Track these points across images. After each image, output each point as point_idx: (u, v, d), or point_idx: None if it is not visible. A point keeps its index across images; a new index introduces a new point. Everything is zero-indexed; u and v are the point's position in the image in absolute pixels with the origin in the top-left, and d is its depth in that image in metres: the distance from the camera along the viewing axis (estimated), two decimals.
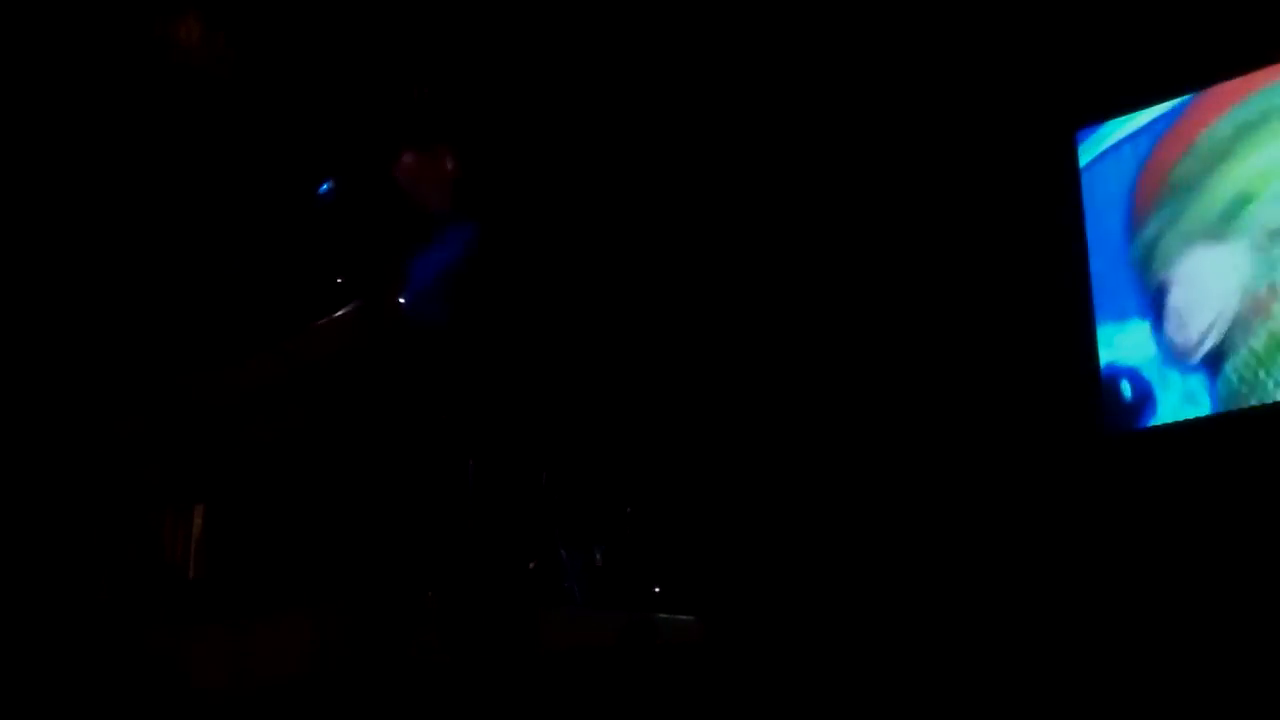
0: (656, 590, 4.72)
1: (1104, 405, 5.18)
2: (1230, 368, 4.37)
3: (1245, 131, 4.38)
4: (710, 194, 5.86)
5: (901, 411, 5.70)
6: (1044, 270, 5.50)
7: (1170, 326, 4.57)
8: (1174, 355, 4.57)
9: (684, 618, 4.54)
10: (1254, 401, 4.26)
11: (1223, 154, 4.46)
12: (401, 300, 3.57)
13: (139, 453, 3.64)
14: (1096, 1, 5.36)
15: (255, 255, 3.87)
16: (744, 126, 5.91)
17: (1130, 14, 5.26)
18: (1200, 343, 4.47)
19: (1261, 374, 4.26)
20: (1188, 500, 4.89)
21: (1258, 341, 4.30)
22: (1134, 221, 4.77)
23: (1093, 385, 5.24)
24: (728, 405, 5.71)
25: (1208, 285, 4.41)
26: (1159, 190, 4.66)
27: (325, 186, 3.49)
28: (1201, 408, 4.43)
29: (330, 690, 3.47)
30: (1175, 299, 4.52)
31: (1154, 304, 4.63)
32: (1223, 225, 4.43)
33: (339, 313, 3.50)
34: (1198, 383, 4.48)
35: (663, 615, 4.48)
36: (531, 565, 4.25)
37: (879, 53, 5.83)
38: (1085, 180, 5.06)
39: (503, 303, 4.29)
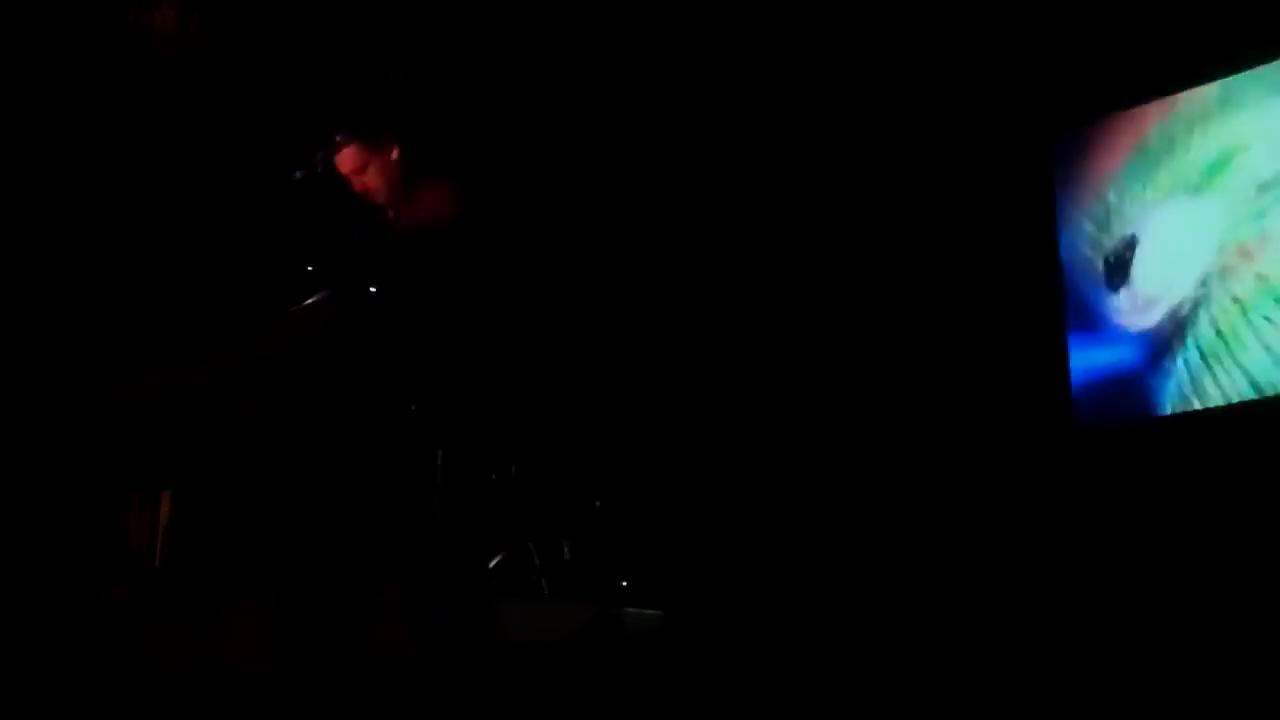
0: (623, 584, 4.74)
1: (1076, 400, 5.28)
2: (1205, 318, 4.39)
3: (1232, 89, 4.37)
4: (675, 190, 5.88)
5: (869, 406, 5.73)
6: (1017, 269, 5.57)
7: (1135, 286, 4.56)
8: (1137, 312, 4.56)
9: (650, 611, 4.56)
10: (1234, 352, 4.27)
11: (1204, 114, 4.44)
12: (372, 289, 3.57)
13: (108, 439, 3.63)
14: (1075, 9, 5.42)
15: (226, 242, 3.87)
16: (714, 122, 5.93)
17: (1107, 21, 5.33)
18: (1168, 297, 4.48)
19: (1243, 321, 4.28)
20: (1163, 494, 4.96)
21: (1241, 288, 4.30)
22: (1097, 188, 4.70)
23: (1063, 382, 5.36)
24: (695, 403, 5.73)
25: (1181, 241, 4.41)
26: (1126, 155, 4.64)
27: None
28: (1166, 376, 4.44)
29: (294, 679, 3.47)
30: (1142, 256, 4.53)
31: (1117, 265, 4.63)
32: (1203, 181, 4.44)
33: (309, 300, 3.50)
34: (1159, 343, 4.46)
35: (629, 609, 4.50)
36: (499, 558, 4.26)
37: (858, 56, 5.86)
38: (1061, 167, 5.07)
39: (474, 295, 4.29)
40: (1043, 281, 5.61)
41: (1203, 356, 4.41)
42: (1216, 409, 4.90)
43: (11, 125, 4.24)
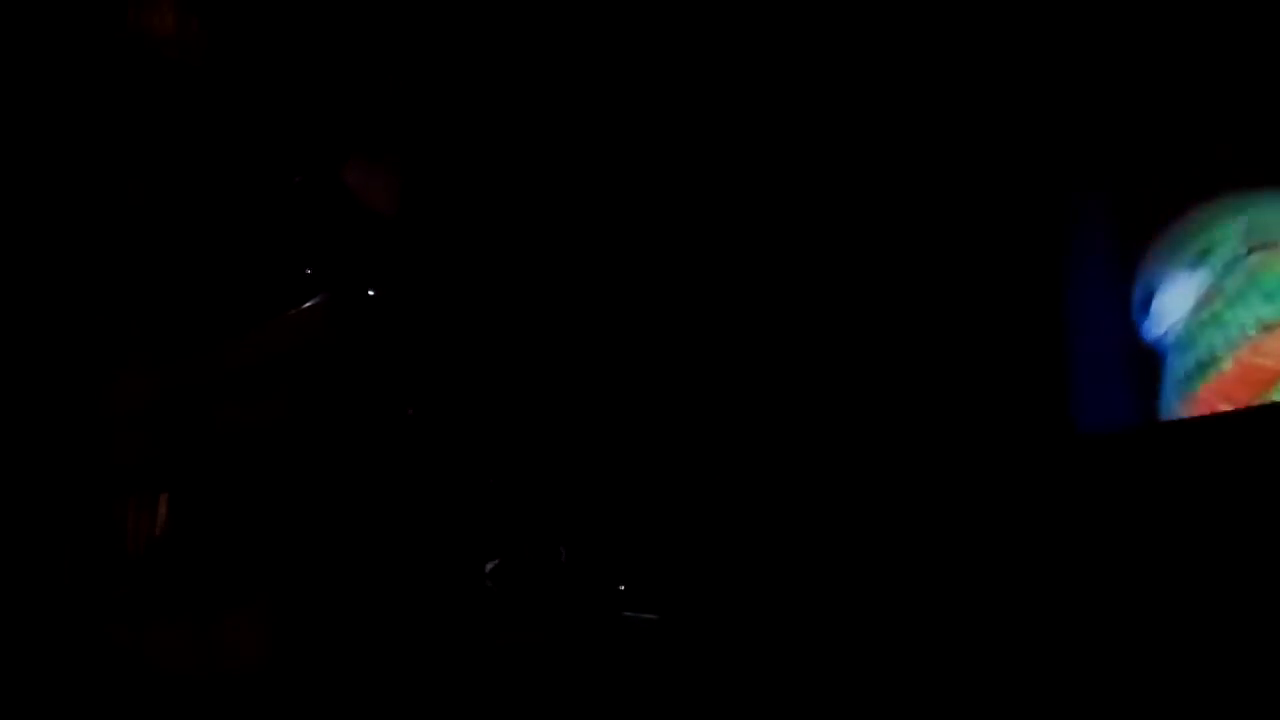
0: (620, 588, 4.73)
1: (1078, 404, 5.44)
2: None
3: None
4: (675, 195, 5.88)
5: (869, 411, 5.73)
6: (1019, 272, 5.60)
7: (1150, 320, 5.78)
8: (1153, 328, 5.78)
9: (648, 616, 4.55)
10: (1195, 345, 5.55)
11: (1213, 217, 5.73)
12: (370, 293, 3.58)
13: (103, 438, 3.63)
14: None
15: (224, 244, 3.87)
16: (713, 131, 5.93)
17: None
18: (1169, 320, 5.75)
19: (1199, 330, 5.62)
20: (1158, 501, 4.98)
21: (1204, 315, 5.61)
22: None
23: (1064, 385, 5.43)
24: (694, 405, 5.72)
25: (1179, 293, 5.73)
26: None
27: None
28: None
29: (291, 681, 3.47)
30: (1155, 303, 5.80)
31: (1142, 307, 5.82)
32: (1197, 260, 5.72)
33: (307, 304, 3.50)
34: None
35: (627, 613, 4.49)
36: (496, 562, 4.26)
37: (863, 66, 5.87)
38: None
39: (472, 299, 4.30)
40: (1043, 284, 5.63)
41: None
42: (1217, 415, 5.00)
43: (10, 125, 4.24)
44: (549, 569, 4.42)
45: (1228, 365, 5.54)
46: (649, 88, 5.82)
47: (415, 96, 4.74)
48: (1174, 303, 5.80)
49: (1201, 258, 5.75)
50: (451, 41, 5.20)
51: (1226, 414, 5.14)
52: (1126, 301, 5.67)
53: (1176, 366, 5.64)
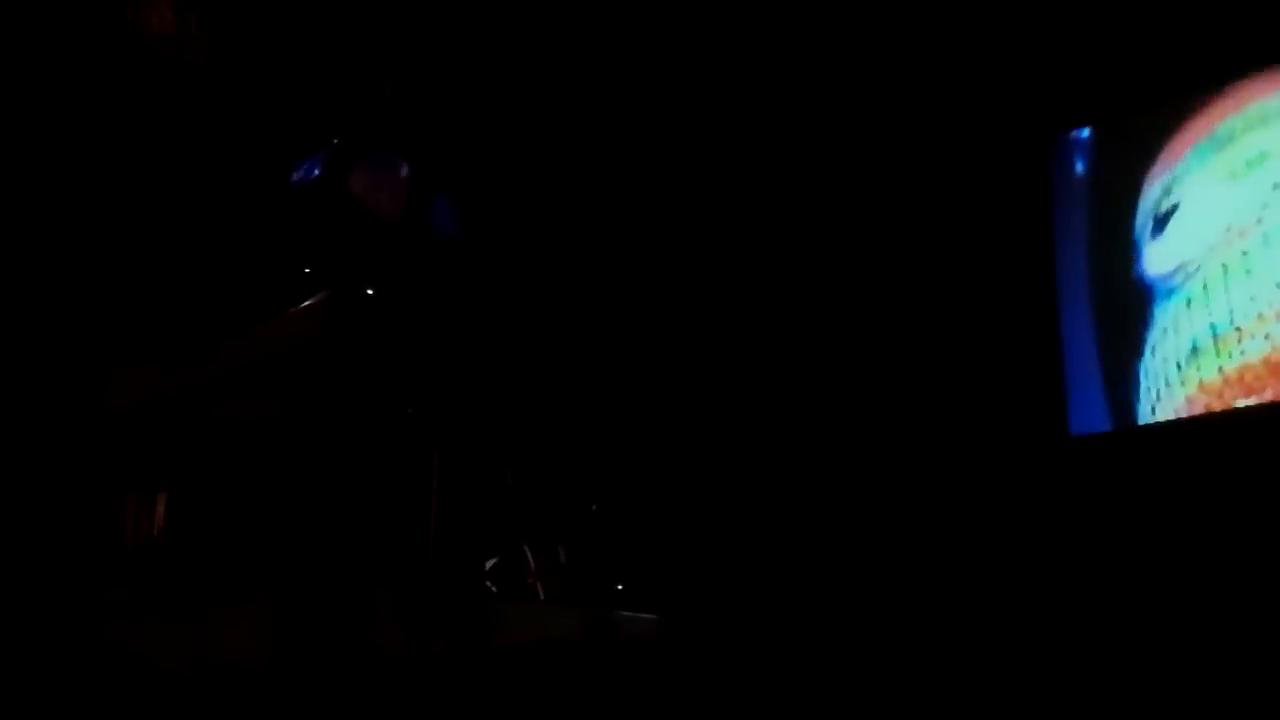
0: (620, 588, 4.73)
1: (1070, 406, 5.42)
2: (1194, 282, 4.83)
3: None
4: (669, 193, 5.88)
5: (865, 411, 5.74)
6: (1011, 270, 5.61)
7: (1160, 245, 5.02)
8: (1160, 261, 5.03)
9: (646, 616, 4.55)
10: (1210, 304, 4.72)
11: (1263, 117, 4.81)
12: (370, 292, 3.57)
13: (102, 438, 3.62)
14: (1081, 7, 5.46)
15: (223, 243, 3.87)
16: (709, 124, 5.93)
17: (1112, 21, 5.38)
18: (1177, 258, 4.95)
19: (1221, 284, 4.74)
20: (1154, 503, 4.99)
21: (1229, 257, 4.69)
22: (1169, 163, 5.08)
23: (1057, 385, 5.43)
24: (693, 404, 5.72)
25: (1204, 211, 4.86)
26: (1197, 140, 5.03)
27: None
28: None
29: (290, 682, 3.47)
30: (1174, 222, 4.99)
31: (1160, 221, 5.08)
32: (1240, 171, 4.84)
33: (306, 302, 3.49)
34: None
35: (625, 613, 4.49)
36: (495, 561, 4.26)
37: (849, 52, 5.87)
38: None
39: (471, 299, 4.29)
40: (1037, 284, 5.64)
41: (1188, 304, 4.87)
42: (1215, 414, 4.99)
43: (8, 124, 4.23)
44: (549, 569, 4.42)
45: (1254, 353, 4.39)
46: (648, 90, 5.83)
47: (418, 98, 4.74)
48: (1195, 228, 4.67)
49: (1249, 167, 4.60)
50: (453, 43, 5.20)
51: (1217, 414, 4.98)
52: (1119, 300, 5.32)
53: (1183, 332, 4.63)
